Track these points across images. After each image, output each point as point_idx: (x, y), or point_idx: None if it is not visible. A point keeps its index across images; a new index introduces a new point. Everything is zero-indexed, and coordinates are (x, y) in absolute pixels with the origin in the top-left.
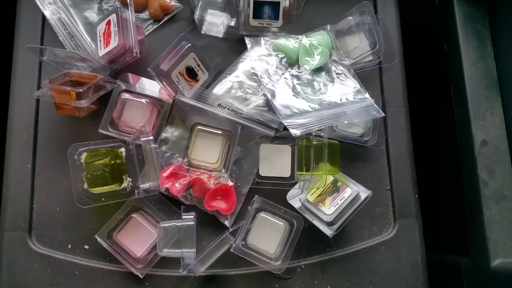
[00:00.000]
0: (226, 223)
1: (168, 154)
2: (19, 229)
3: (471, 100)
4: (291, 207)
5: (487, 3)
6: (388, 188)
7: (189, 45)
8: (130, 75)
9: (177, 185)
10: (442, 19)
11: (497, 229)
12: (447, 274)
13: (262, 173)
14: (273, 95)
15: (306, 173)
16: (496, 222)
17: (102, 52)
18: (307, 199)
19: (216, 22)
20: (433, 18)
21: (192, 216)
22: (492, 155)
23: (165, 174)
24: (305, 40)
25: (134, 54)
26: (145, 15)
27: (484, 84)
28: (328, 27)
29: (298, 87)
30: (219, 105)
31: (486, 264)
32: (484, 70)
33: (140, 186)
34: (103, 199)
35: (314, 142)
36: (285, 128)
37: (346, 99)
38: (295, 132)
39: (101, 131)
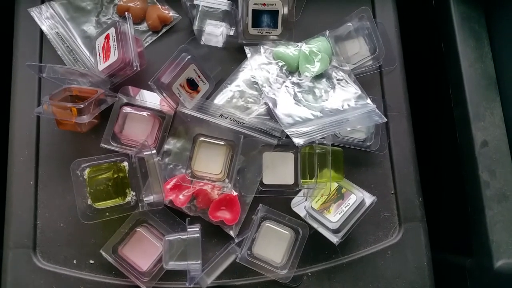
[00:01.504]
0: (231, 233)
1: (171, 165)
2: (24, 246)
3: (470, 101)
4: (296, 215)
5: (483, 3)
6: (392, 192)
7: (189, 56)
8: (130, 88)
9: (181, 196)
10: (439, 20)
11: (499, 229)
12: (451, 275)
13: (266, 181)
14: (275, 104)
15: (310, 180)
16: (498, 222)
17: (101, 66)
18: (312, 207)
19: (215, 32)
20: (430, 20)
21: (197, 228)
22: (492, 155)
23: (168, 186)
24: (304, 47)
25: (135, 68)
26: (143, 27)
27: (483, 85)
28: (327, 33)
29: (300, 95)
30: (220, 115)
31: (489, 265)
32: (483, 70)
33: (144, 199)
34: (107, 213)
35: (317, 150)
36: (288, 136)
37: (348, 105)
38: (298, 141)
39: (103, 145)
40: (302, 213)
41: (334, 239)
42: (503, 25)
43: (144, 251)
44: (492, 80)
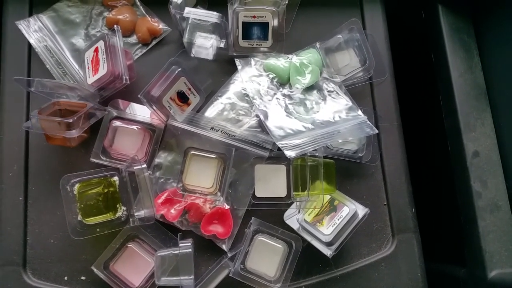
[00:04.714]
0: (224, 247)
1: (162, 179)
2: (13, 263)
3: (461, 112)
4: (289, 228)
5: (471, 14)
6: (385, 203)
7: (179, 69)
8: (120, 101)
9: (172, 211)
10: (428, 31)
11: (492, 240)
12: (445, 285)
13: (258, 194)
14: (266, 116)
15: (302, 193)
16: (491, 233)
17: (91, 79)
18: (304, 220)
19: (205, 45)
20: (420, 31)
21: (190, 243)
22: (484, 165)
23: (159, 201)
24: (295, 59)
25: (124, 81)
26: (133, 39)
27: (473, 95)
28: (318, 45)
29: (291, 107)
30: (211, 128)
31: (483, 275)
32: (472, 81)
33: (135, 214)
34: (98, 229)
35: (309, 162)
36: (279, 148)
37: (339, 116)
38: (290, 153)
39: (93, 160)
40: (295, 226)
41: (328, 252)
42: (492, 35)
43: (136, 266)
44: (482, 90)
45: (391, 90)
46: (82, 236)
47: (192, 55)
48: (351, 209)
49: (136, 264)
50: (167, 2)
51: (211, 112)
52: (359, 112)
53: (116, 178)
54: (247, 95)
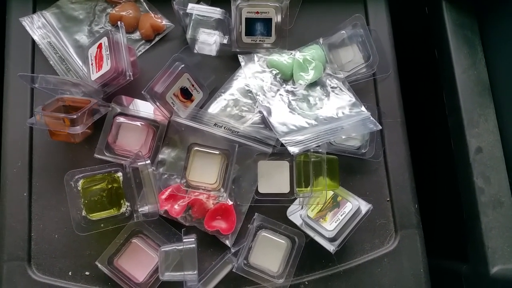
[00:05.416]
0: (227, 242)
1: (165, 175)
2: (18, 258)
3: (464, 108)
4: (292, 224)
5: (475, 10)
6: (388, 199)
7: (183, 65)
8: (124, 97)
9: (176, 206)
10: (432, 27)
11: (495, 236)
12: (447, 281)
13: (261, 190)
14: (269, 113)
15: (305, 189)
16: (493, 229)
17: (94, 76)
18: (307, 215)
19: (208, 41)
20: (424, 27)
21: (193, 239)
22: (487, 161)
23: (163, 196)
24: (298, 55)
25: (128, 77)
26: (136, 35)
27: (476, 91)
28: (321, 40)
29: (294, 103)
30: (215, 124)
31: (485, 271)
32: (476, 77)
33: (139, 210)
34: (102, 225)
35: (312, 158)
36: (282, 144)
37: (342, 113)
38: (293, 150)
39: (97, 156)
40: (298, 221)
41: (331, 247)
42: (496, 31)
43: (139, 262)
44: (485, 86)
45: (395, 86)
46: (86, 231)
47: (195, 51)
48: (354, 205)
49: (140, 259)
50: None
51: (214, 108)
52: (363, 108)
53: (120, 174)
54: (250, 91)
